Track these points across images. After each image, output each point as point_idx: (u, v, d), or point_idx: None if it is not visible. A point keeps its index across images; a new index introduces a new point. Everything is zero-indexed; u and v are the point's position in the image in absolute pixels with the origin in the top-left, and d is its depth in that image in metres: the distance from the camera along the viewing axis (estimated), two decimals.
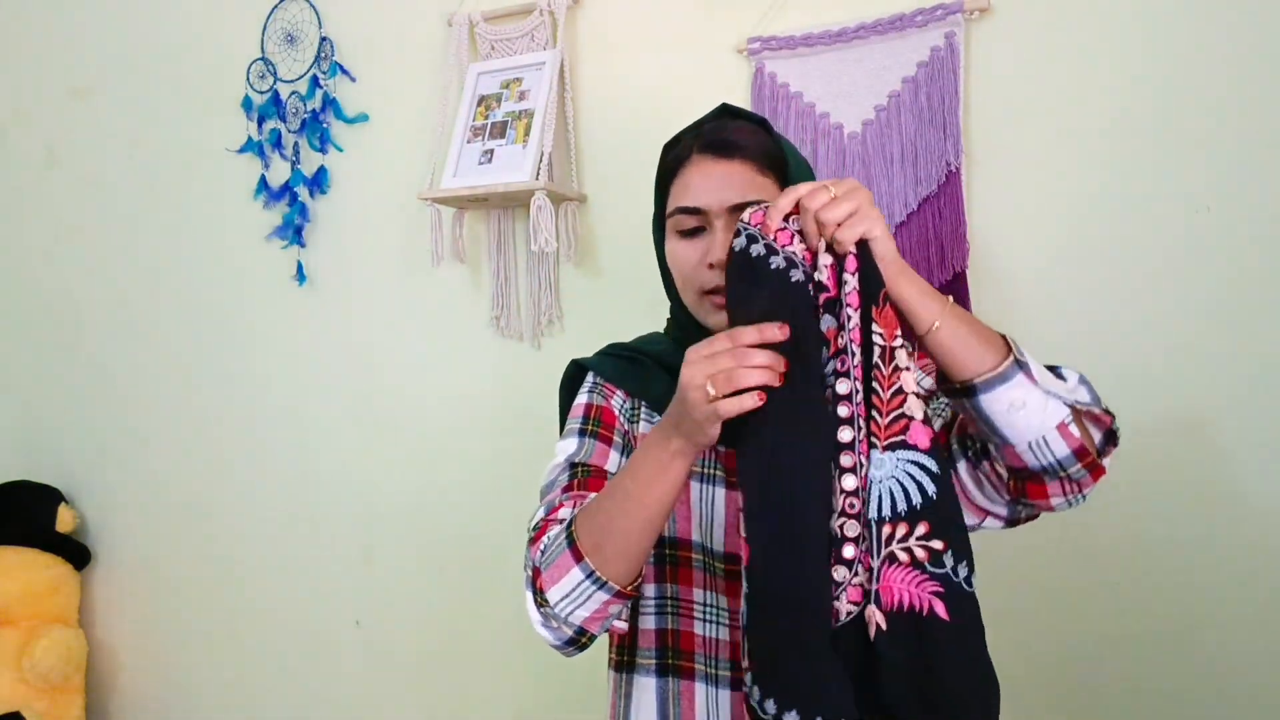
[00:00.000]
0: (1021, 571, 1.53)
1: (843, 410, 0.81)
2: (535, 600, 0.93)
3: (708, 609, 1.01)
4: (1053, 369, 0.90)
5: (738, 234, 0.87)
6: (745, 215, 0.87)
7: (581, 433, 1.05)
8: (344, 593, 2.16)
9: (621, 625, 1.01)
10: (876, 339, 0.81)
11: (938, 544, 0.78)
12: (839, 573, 0.80)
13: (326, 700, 2.19)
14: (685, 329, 1.06)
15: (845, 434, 0.81)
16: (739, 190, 0.98)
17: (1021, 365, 0.85)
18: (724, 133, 1.02)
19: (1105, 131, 1.50)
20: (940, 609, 0.77)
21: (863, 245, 0.81)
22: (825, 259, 0.83)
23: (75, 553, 2.39)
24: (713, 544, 1.01)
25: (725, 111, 1.07)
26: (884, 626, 0.77)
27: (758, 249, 0.85)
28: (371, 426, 2.12)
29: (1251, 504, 1.44)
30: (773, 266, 0.84)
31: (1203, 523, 1.46)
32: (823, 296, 0.83)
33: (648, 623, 1.03)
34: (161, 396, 2.36)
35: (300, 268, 2.16)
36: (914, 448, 0.79)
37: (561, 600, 0.91)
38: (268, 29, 2.20)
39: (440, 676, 2.06)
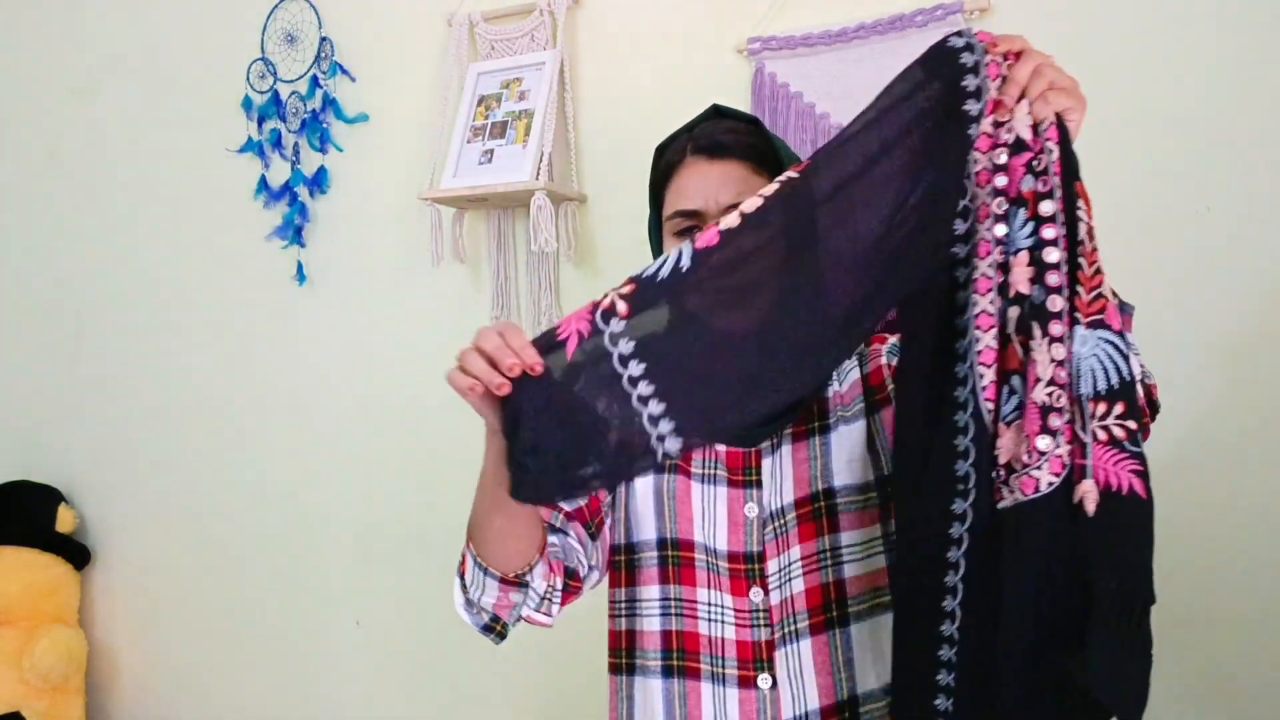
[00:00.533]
0: None
1: (1052, 279, 0.80)
2: (461, 584, 1.00)
3: (712, 608, 1.01)
4: None
5: (959, 34, 0.84)
6: (972, 28, 0.85)
7: None
8: (344, 593, 2.16)
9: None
10: (1080, 214, 0.80)
11: (1132, 424, 0.78)
12: (1043, 442, 0.79)
13: (326, 700, 2.19)
14: None
15: (1056, 302, 0.80)
16: (734, 190, 0.98)
17: (1123, 308, 0.86)
18: (716, 134, 1.02)
19: (1104, 131, 1.50)
20: (1139, 487, 0.77)
21: (1059, 121, 0.81)
22: (1026, 118, 0.81)
23: (75, 553, 2.39)
24: (715, 544, 1.01)
25: (716, 112, 1.07)
26: (1099, 503, 0.77)
27: (968, 58, 0.82)
28: (371, 426, 2.12)
29: (1251, 504, 1.44)
30: (963, 84, 0.82)
31: (1202, 520, 1.46)
32: (1026, 155, 0.81)
33: (652, 624, 1.03)
34: (161, 396, 2.35)
35: (300, 268, 2.16)
36: (1109, 328, 0.79)
37: (471, 586, 0.99)
38: (268, 29, 2.20)
39: (440, 677, 2.06)
